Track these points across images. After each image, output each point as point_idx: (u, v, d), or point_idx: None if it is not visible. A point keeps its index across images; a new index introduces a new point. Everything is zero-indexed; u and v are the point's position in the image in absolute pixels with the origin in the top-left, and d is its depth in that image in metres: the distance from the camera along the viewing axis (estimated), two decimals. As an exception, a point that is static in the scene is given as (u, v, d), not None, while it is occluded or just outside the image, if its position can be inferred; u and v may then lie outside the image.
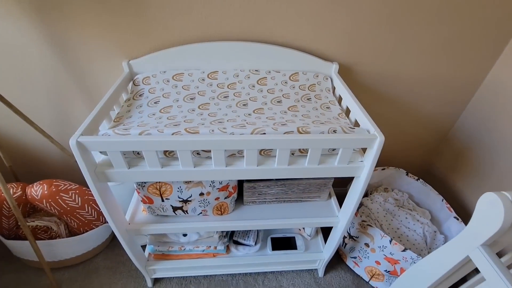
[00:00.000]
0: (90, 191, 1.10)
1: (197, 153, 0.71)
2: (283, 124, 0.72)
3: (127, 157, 0.71)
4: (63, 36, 0.87)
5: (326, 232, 1.22)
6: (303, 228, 1.18)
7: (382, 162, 1.38)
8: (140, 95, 0.86)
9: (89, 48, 0.90)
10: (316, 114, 0.82)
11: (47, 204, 1.00)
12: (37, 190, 0.98)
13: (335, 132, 0.69)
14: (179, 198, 0.84)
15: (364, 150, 0.77)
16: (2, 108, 1.01)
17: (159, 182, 0.80)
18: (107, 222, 1.17)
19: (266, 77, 0.94)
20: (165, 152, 0.70)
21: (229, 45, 0.91)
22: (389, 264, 1.03)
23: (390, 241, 0.99)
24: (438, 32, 0.96)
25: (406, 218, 1.15)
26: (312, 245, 1.17)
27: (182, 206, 0.87)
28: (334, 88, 0.97)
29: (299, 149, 0.73)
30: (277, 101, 0.87)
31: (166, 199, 0.84)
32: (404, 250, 0.96)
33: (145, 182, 0.80)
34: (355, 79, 1.06)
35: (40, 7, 0.81)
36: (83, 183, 1.18)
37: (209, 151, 0.71)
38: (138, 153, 0.70)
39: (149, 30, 0.88)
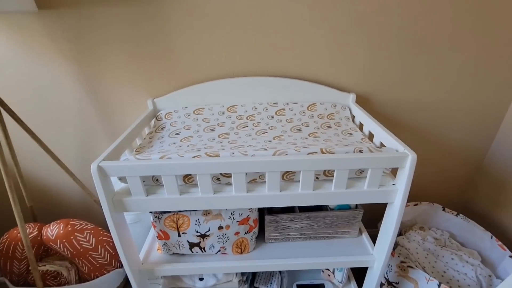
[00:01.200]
0: (106, 232, 1.06)
1: (217, 179, 0.69)
2: (305, 147, 0.69)
3: (146, 184, 0.69)
4: (96, 78, 0.95)
5: (359, 278, 1.07)
6: (333, 274, 1.04)
7: (413, 197, 1.28)
8: (162, 128, 0.88)
9: (118, 89, 0.97)
10: (339, 139, 0.79)
11: (61, 245, 0.96)
12: (53, 230, 0.96)
13: (361, 152, 0.65)
14: (197, 232, 0.78)
15: (395, 174, 0.71)
16: (30, 148, 1.06)
17: (176, 214, 0.76)
18: (120, 267, 1.09)
19: (284, 108, 0.95)
20: (184, 178, 0.68)
21: (248, 80, 0.95)
22: (441, 316, 0.86)
23: (439, 286, 0.84)
24: (454, 59, 0.97)
25: (452, 259, 1.00)
26: (345, 294, 1.02)
27: (200, 242, 0.80)
28: (353, 117, 0.96)
29: (324, 172, 0.69)
30: (297, 129, 0.86)
31: (183, 233, 0.78)
32: (457, 297, 0.81)
33: (161, 214, 0.76)
34: (374, 109, 1.05)
35: (79, 52, 0.91)
36: (100, 224, 1.15)
37: (229, 176, 0.68)
38: (157, 179, 0.68)
39: (173, 71, 0.95)
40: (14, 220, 1.23)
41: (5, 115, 0.89)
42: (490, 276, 0.96)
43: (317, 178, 0.70)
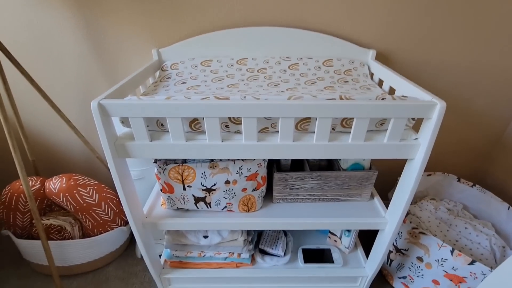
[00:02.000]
0: (109, 189, 1.04)
1: (226, 126, 0.64)
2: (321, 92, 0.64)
3: (150, 129, 0.65)
4: (97, 22, 0.88)
5: (365, 246, 1.05)
6: (340, 239, 1.02)
7: (426, 167, 1.23)
8: (167, 78, 0.82)
9: (121, 35, 0.91)
10: (357, 93, 0.73)
11: (64, 199, 0.94)
12: (55, 183, 0.93)
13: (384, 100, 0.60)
14: (203, 185, 0.75)
15: (417, 130, 0.66)
16: (31, 100, 1.02)
17: (182, 165, 0.72)
18: (123, 225, 1.08)
19: (297, 63, 0.89)
20: (191, 124, 0.64)
21: (260, 30, 0.88)
22: (452, 283, 0.84)
23: (452, 252, 0.81)
24: (488, 16, 0.88)
25: (466, 228, 0.97)
26: (351, 259, 1.00)
27: (205, 196, 0.77)
28: (371, 76, 0.90)
29: (342, 122, 0.64)
30: (311, 83, 0.80)
31: (188, 186, 0.75)
32: (471, 263, 0.78)
33: (166, 165, 0.72)
34: (394, 69, 0.98)
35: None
36: (103, 183, 1.13)
37: (239, 123, 0.63)
38: (162, 124, 0.64)
39: (180, 18, 0.88)
40: (16, 174, 1.22)
41: (4, 60, 0.84)
42: (504, 247, 0.93)
43: (333, 129, 0.65)
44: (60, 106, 1.03)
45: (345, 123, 0.64)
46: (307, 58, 0.90)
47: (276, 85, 0.77)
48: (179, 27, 0.90)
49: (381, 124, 0.65)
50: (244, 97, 0.59)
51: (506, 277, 0.53)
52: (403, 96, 0.61)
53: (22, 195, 0.95)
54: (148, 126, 0.63)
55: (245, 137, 0.61)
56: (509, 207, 0.97)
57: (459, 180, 1.11)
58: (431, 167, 1.23)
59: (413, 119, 0.63)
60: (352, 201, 0.87)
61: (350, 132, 0.63)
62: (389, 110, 0.58)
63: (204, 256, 0.92)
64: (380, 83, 0.85)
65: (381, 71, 0.83)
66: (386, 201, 0.85)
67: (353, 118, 0.61)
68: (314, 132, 0.63)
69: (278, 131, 0.64)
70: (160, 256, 1.01)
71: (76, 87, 1.00)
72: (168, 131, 0.64)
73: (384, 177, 1.20)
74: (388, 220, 0.79)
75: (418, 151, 0.64)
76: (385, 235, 0.82)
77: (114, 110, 0.57)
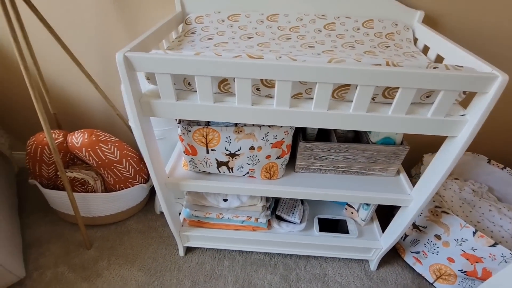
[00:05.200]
0: (129, 147, 1.04)
1: (257, 89, 0.60)
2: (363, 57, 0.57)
3: (177, 88, 0.61)
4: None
5: (382, 220, 1.04)
6: (357, 211, 1.01)
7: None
8: (192, 33, 0.76)
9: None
10: (401, 60, 0.66)
11: (86, 154, 0.95)
12: (77, 138, 0.94)
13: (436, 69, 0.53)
14: (227, 150, 0.73)
15: (465, 106, 0.60)
16: (51, 51, 0.98)
17: (207, 127, 0.70)
18: (143, 183, 1.11)
19: (334, 23, 0.80)
20: (219, 85, 0.60)
21: (295, -18, 0.78)
22: (468, 262, 0.84)
23: (474, 233, 0.79)
24: None
25: (490, 210, 0.94)
26: (367, 232, 1.01)
27: (228, 161, 0.76)
28: (415, 41, 0.81)
29: (383, 93, 0.58)
30: (349, 46, 0.72)
31: (212, 150, 0.73)
32: (493, 245, 0.77)
33: (190, 127, 0.70)
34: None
35: None
36: (121, 137, 1.13)
37: (272, 87, 0.58)
38: (189, 83, 0.60)
39: (206, -37, 0.79)
40: (39, 127, 1.23)
41: (21, 5, 0.79)
42: (527, 231, 0.91)
43: (373, 99, 0.60)
44: (81, 59, 0.99)
45: (387, 93, 0.58)
46: (345, 17, 0.81)
47: (310, 47, 0.71)
48: (205, -25, 0.81)
49: (427, 97, 0.59)
50: (280, 57, 0.53)
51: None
52: (457, 65, 0.54)
53: (46, 147, 0.96)
54: (175, 84, 0.59)
55: (277, 102, 0.57)
56: (540, 193, 0.93)
57: (489, 162, 1.05)
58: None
59: (464, 92, 0.57)
60: (377, 175, 0.84)
61: (390, 103, 0.58)
62: (442, 80, 0.52)
63: (222, 218, 0.94)
64: (425, 50, 0.77)
65: (428, 36, 0.74)
66: (409, 177, 0.81)
67: (397, 88, 0.55)
68: (351, 101, 0.58)
69: (312, 98, 0.60)
70: (179, 214, 1.04)
71: (96, 40, 0.95)
72: (195, 91, 0.61)
73: (408, 152, 1.16)
74: (414, 198, 0.77)
75: (464, 128, 0.59)
76: (408, 212, 0.80)
77: (140, 64, 0.53)
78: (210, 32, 0.76)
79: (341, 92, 0.59)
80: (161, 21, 0.71)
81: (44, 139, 0.96)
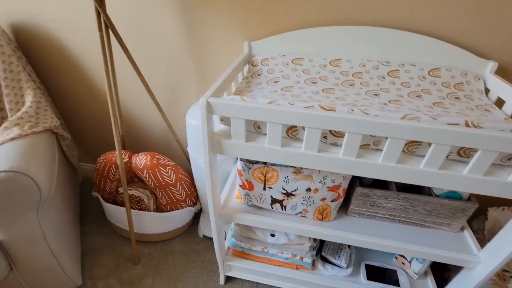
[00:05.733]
0: (183, 171, 1.10)
1: (324, 137, 0.61)
2: (439, 115, 0.57)
3: (246, 130, 0.65)
4: (194, 12, 0.90)
5: (436, 273, 0.96)
6: (409, 263, 0.95)
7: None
8: (258, 75, 0.82)
9: (215, 25, 0.92)
10: (475, 115, 0.64)
11: (146, 175, 1.03)
12: (141, 160, 1.02)
13: (524, 133, 0.50)
14: (283, 189, 0.75)
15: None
16: (128, 79, 1.11)
17: (267, 166, 0.72)
18: (192, 205, 1.16)
19: (398, 70, 0.80)
20: (288, 130, 0.62)
21: (356, 30, 0.81)
22: None
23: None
24: None
25: None
26: (419, 287, 0.93)
27: (283, 199, 0.77)
28: (487, 92, 0.77)
29: (459, 151, 0.56)
30: (416, 95, 0.72)
31: (269, 187, 0.75)
32: None
33: (252, 164, 0.73)
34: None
35: (183, -16, 0.86)
36: (176, 161, 1.21)
37: (339, 136, 0.60)
38: (259, 126, 0.64)
39: (273, 12, 0.85)
40: (107, 146, 1.37)
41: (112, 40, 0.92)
42: None
43: (447, 156, 0.58)
44: (153, 89, 1.10)
45: (463, 152, 0.56)
46: (409, 64, 0.81)
47: (375, 95, 0.71)
48: (272, 21, 0.87)
49: (509, 159, 0.56)
50: (352, 110, 0.55)
51: None
52: (548, 130, 0.51)
53: (113, 165, 1.06)
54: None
55: (344, 152, 0.58)
56: None
57: None
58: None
59: (554, 158, 0.53)
60: (437, 229, 0.79)
61: (466, 162, 0.56)
62: (530, 146, 0.49)
63: (267, 252, 0.94)
64: (499, 103, 0.73)
65: (503, 88, 0.71)
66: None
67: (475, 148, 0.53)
68: (422, 155, 0.57)
69: (380, 149, 0.60)
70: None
71: (167, 72, 1.06)
72: (264, 134, 0.64)
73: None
74: (482, 260, 0.71)
75: (552, 196, 0.54)
76: (474, 276, 0.73)
77: (219, 109, 0.58)
78: (275, 75, 0.80)
79: (412, 147, 0.58)
80: (231, 63, 0.77)
81: (113, 158, 1.06)
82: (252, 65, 0.86)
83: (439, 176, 0.56)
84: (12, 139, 0.85)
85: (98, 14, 0.76)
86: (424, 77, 0.78)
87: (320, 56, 0.85)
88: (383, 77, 0.79)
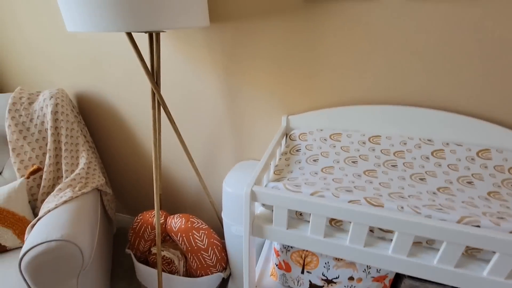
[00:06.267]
0: (215, 234, 1.10)
1: (371, 230, 0.59)
2: (500, 217, 0.52)
3: (288, 216, 0.65)
4: (237, 87, 0.98)
5: None
6: None
7: None
8: (297, 150, 0.83)
9: (255, 99, 0.97)
10: (540, 211, 0.58)
11: (180, 238, 1.03)
12: (176, 222, 1.04)
13: None
14: (323, 275, 0.70)
15: None
16: (170, 143, 1.18)
17: (306, 250, 0.70)
18: (221, 271, 1.12)
19: (443, 149, 0.78)
20: (331, 221, 0.61)
21: (395, 109, 0.82)
22: None
23: None
24: None
25: None
26: None
27: (323, 286, 0.72)
28: (547, 176, 0.71)
29: (529, 260, 0.51)
30: (467, 182, 0.68)
31: (308, 272, 0.72)
32: None
33: (291, 247, 0.71)
34: None
35: (228, 64, 0.94)
36: (208, 222, 1.21)
37: (389, 231, 0.57)
38: (300, 214, 0.63)
39: (312, 89, 0.90)
40: (144, 201, 1.42)
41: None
42: None
43: None
44: (192, 152, 1.16)
45: (534, 262, 0.50)
46: (455, 144, 0.78)
47: (421, 179, 0.69)
48: (310, 98, 0.91)
49: None
50: (402, 207, 0.53)
51: None
52: None
53: (149, 226, 1.09)
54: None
55: (394, 250, 0.55)
56: None
57: None
58: None
59: None
60: (505, 334, 0.68)
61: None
62: None
63: (301, 337, 0.86)
64: None
65: None
66: None
67: (550, 260, 0.47)
68: (485, 260, 0.52)
69: (434, 248, 0.56)
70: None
71: (207, 139, 1.12)
72: (306, 221, 0.63)
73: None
74: None
75: None
76: None
77: (263, 198, 0.59)
78: (314, 151, 0.82)
79: (473, 251, 0.53)
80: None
81: (150, 219, 1.09)
82: (290, 139, 0.88)
83: (505, 285, 0.50)
84: (65, 202, 0.92)
85: (153, 94, 0.85)
86: (472, 159, 0.75)
87: (358, 131, 0.86)
88: (427, 158, 0.77)
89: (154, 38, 0.81)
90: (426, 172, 0.72)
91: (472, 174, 0.71)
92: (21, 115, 1.06)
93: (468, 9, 0.69)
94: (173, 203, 1.34)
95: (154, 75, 0.85)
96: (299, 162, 0.77)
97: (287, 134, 0.91)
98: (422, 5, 0.71)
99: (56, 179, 1.09)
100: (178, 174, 1.25)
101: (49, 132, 1.05)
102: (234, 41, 0.90)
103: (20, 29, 1.15)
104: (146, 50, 0.99)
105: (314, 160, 0.78)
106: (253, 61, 0.91)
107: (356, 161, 0.76)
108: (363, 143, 0.83)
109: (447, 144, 0.79)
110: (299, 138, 0.87)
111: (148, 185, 1.35)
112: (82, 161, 1.09)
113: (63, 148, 1.07)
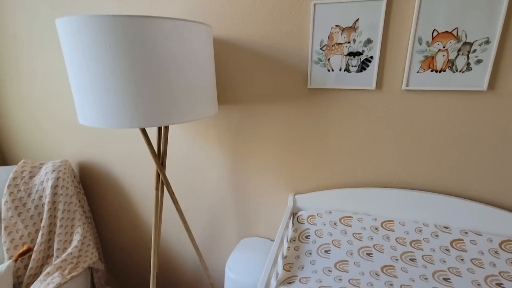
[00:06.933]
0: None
1: None
2: None
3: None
4: (242, 165, 0.96)
5: None
6: None
7: None
8: (306, 237, 0.79)
9: (260, 176, 0.96)
10: None
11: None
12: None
13: None
14: None
15: None
16: (171, 220, 1.13)
17: None
18: None
19: (462, 240, 0.73)
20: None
21: (408, 194, 0.79)
22: None
23: None
24: None
25: None
26: None
27: None
28: None
29: None
30: (496, 283, 0.62)
31: None
32: None
33: None
34: None
35: (234, 144, 0.95)
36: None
37: None
38: (316, 327, 0.56)
39: (319, 169, 0.88)
40: (137, 274, 1.31)
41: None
42: None
43: None
44: (193, 224, 1.10)
45: None
46: (473, 233, 0.74)
47: (445, 279, 0.63)
48: (317, 178, 0.89)
49: None
50: (433, 331, 0.46)
51: None
52: None
53: (142, 314, 0.98)
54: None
55: None
56: None
57: None
58: None
59: None
60: None
61: None
62: None
63: None
64: None
65: None
66: None
67: None
68: None
69: None
70: None
71: (210, 216, 1.07)
72: (322, 336, 0.55)
73: None
74: None
75: None
76: None
77: (274, 311, 0.53)
78: (325, 239, 0.77)
79: None
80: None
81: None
82: (298, 221, 0.84)
83: None
84: (51, 291, 0.84)
85: (158, 175, 0.84)
86: (496, 252, 0.69)
87: (369, 215, 0.82)
88: (447, 249, 0.71)
89: (163, 126, 0.83)
90: (449, 270, 0.66)
91: (500, 273, 0.65)
92: (19, 190, 1.03)
93: (467, 102, 0.71)
94: (168, 279, 1.23)
95: (160, 157, 0.84)
96: (310, 254, 0.72)
97: (294, 213, 0.87)
98: (424, 97, 0.74)
99: (46, 258, 1.01)
100: (177, 249, 1.17)
101: (46, 208, 1.01)
102: (240, 122, 0.92)
103: (28, 103, 1.19)
104: (154, 133, 1.00)
105: (326, 252, 0.73)
106: (259, 140, 0.92)
107: (371, 253, 0.71)
108: (376, 229, 0.79)
109: (466, 233, 0.74)
110: (308, 221, 0.83)
111: (143, 260, 1.26)
112: (76, 238, 1.02)
113: (58, 224, 1.01)
